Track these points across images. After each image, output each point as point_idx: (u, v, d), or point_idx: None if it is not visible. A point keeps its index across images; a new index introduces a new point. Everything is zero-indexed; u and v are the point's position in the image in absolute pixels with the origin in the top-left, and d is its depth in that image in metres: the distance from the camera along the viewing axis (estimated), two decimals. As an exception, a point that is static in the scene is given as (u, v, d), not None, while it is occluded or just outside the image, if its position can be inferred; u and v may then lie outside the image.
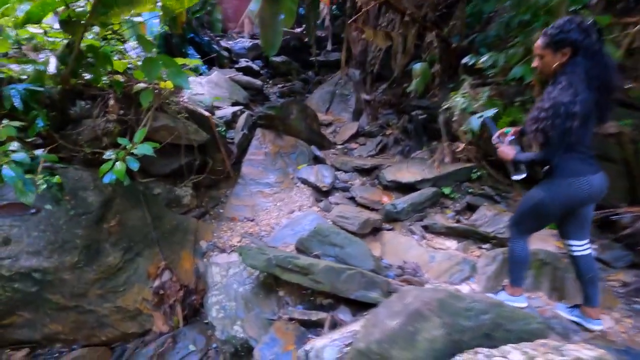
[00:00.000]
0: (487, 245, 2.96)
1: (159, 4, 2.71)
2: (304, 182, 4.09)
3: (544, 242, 2.77)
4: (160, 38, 5.34)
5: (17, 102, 2.11)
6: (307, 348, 1.72)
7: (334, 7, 7.96)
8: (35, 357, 2.20)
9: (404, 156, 4.90)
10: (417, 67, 4.69)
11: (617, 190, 2.78)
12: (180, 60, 2.91)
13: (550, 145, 1.77)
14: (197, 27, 7.25)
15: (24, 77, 2.45)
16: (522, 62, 3.12)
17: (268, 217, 3.58)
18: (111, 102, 2.86)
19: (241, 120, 4.61)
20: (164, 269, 2.60)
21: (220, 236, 3.22)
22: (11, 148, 1.95)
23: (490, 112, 3.03)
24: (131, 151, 2.14)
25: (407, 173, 3.90)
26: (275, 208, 3.75)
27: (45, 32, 2.87)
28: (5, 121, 2.11)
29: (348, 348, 1.61)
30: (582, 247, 1.99)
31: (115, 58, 2.97)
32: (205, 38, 7.40)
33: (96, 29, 2.92)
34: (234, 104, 5.39)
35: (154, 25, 4.08)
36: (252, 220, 3.62)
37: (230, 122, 4.64)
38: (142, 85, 2.85)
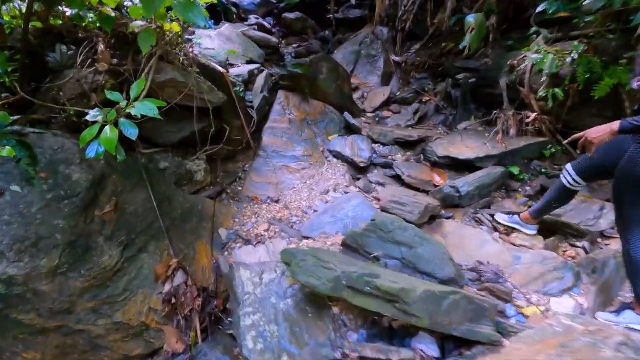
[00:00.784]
0: (583, 244, 2.34)
1: None
2: (337, 155, 3.43)
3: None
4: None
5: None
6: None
7: (359, -48, 6.97)
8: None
9: (447, 127, 4.20)
10: (472, 18, 3.88)
11: None
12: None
13: None
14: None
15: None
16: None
17: (298, 199, 2.95)
18: (101, 47, 2.15)
19: (260, 80, 3.87)
20: (177, 268, 2.00)
21: (244, 222, 2.60)
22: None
23: None
24: (127, 111, 1.47)
25: (463, 148, 3.22)
26: (305, 187, 3.12)
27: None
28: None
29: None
30: (578, 185, 2.00)
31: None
32: (211, -12, 6.46)
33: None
34: (248, 63, 4.62)
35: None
36: (277, 202, 3.00)
37: (247, 83, 3.91)
38: (139, 23, 2.13)
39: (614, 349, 1.32)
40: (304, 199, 2.95)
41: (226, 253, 2.35)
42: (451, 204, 2.79)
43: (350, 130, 3.83)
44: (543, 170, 3.04)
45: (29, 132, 1.80)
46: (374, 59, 5.94)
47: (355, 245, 2.03)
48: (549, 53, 2.98)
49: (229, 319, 2.05)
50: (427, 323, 1.34)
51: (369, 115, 4.67)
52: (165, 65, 2.34)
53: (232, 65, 4.19)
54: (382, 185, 3.14)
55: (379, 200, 2.95)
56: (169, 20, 2.34)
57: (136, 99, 1.49)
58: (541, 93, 2.95)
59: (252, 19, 7.46)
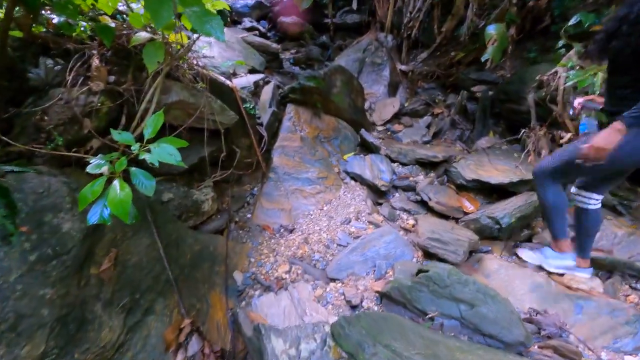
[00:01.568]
0: (644, 285, 2.10)
1: None
2: (355, 177, 3.13)
3: None
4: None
5: None
6: None
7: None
8: None
9: (465, 143, 3.96)
10: (492, 29, 3.65)
11: None
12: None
13: None
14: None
15: None
16: None
17: (316, 230, 2.63)
18: (95, 61, 1.79)
19: (266, 92, 3.54)
20: (190, 331, 1.66)
21: (261, 262, 2.26)
22: None
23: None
24: (140, 155, 1.13)
25: (493, 170, 2.97)
26: (323, 215, 2.80)
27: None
28: None
29: None
30: (598, 202, 2.01)
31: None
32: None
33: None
34: (250, 71, 4.27)
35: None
36: (291, 231, 2.68)
37: (252, 95, 3.57)
38: (144, 35, 1.78)
39: None
40: (324, 229, 2.64)
41: (243, 302, 2.01)
42: (488, 236, 2.53)
43: (365, 147, 3.54)
44: (581, 196, 2.81)
45: (5, 172, 1.43)
46: (378, 67, 5.67)
47: (402, 300, 1.73)
48: (584, 69, 2.75)
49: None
50: None
51: (379, 129, 4.39)
52: (171, 83, 1.99)
53: (234, 75, 3.85)
54: (408, 212, 2.86)
55: (407, 230, 2.67)
56: (174, 30, 2.00)
57: (151, 140, 1.14)
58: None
59: (246, 22, 7.10)
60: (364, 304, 1.99)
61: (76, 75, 1.78)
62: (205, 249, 2.08)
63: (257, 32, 5.70)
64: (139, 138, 1.35)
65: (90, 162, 1.08)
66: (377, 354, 1.25)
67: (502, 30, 3.64)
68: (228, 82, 2.65)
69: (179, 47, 2.03)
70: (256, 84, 3.66)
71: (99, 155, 1.13)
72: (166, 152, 1.11)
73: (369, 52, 5.88)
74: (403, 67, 5.61)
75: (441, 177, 3.23)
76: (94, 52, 1.82)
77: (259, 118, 3.20)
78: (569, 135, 2.92)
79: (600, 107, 1.95)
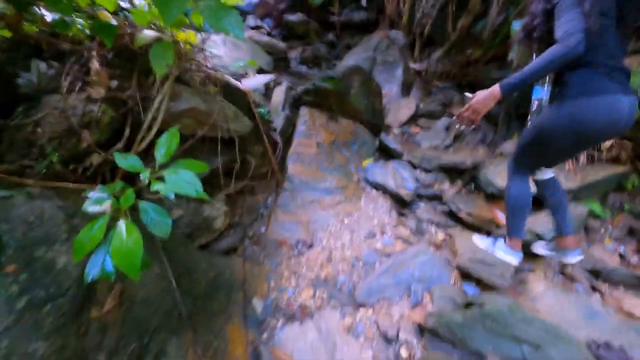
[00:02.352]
0: None
1: None
2: (377, 186, 2.90)
3: None
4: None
5: None
6: None
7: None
8: None
9: (488, 147, 3.72)
10: (519, 26, 3.39)
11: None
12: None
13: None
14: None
15: None
16: None
17: (339, 245, 2.40)
18: (95, 64, 1.56)
19: (278, 94, 3.31)
20: (207, 377, 1.43)
21: (282, 287, 2.03)
22: None
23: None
24: (152, 186, 0.90)
25: (528, 178, 2.72)
26: (345, 228, 2.57)
27: None
28: None
29: None
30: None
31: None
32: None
33: None
34: (258, 72, 4.04)
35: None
36: (310, 247, 2.45)
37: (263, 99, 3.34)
38: (150, 34, 1.55)
39: None
40: (347, 245, 2.41)
41: (265, 334, 1.78)
42: (527, 252, 2.29)
43: (384, 152, 3.30)
44: (626, 207, 2.58)
45: (-9, 197, 1.20)
46: (390, 65, 5.43)
47: (452, 337, 1.50)
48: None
49: None
50: None
51: (396, 131, 4.15)
52: (180, 88, 1.76)
53: (243, 76, 3.62)
54: (436, 224, 2.62)
55: (437, 246, 2.44)
56: (182, 27, 1.76)
57: (165, 165, 0.90)
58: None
59: (250, 20, 6.88)
60: (400, 336, 1.76)
61: (73, 80, 1.55)
62: (221, 275, 1.85)
63: (263, 30, 5.44)
64: (146, 153, 1.12)
65: (89, 196, 0.84)
66: None
67: (529, 26, 3.38)
68: (241, 85, 2.42)
69: (188, 46, 1.80)
70: (267, 85, 3.43)
71: (98, 186, 0.90)
72: (183, 181, 0.87)
73: (380, 50, 5.64)
74: (416, 66, 5.37)
75: (468, 185, 3.00)
76: (93, 53, 1.59)
77: (272, 123, 2.98)
78: (610, 140, 2.68)
79: None
